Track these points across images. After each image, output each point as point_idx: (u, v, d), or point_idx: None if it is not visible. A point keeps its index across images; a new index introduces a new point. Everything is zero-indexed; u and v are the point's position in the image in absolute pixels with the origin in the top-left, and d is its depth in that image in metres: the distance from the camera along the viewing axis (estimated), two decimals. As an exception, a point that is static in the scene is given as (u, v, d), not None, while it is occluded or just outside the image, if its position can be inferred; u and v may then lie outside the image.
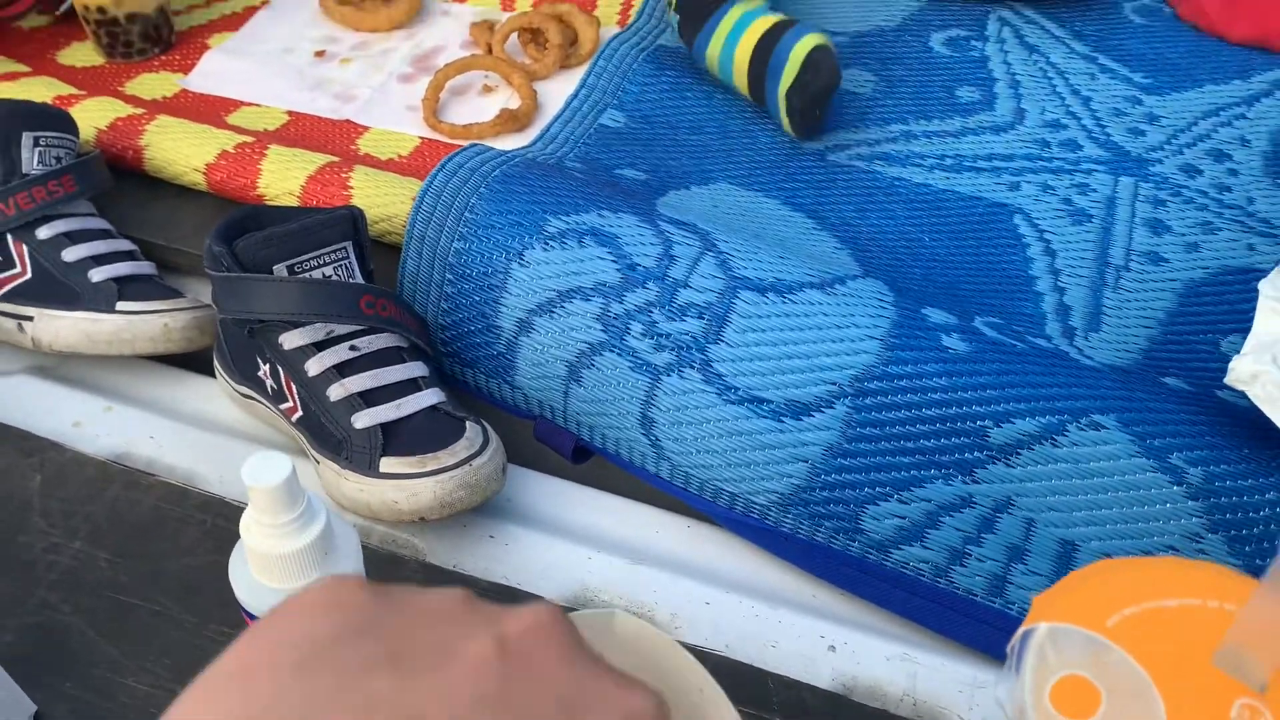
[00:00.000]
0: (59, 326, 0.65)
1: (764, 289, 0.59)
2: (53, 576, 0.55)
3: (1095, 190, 0.75)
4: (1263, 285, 0.57)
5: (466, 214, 0.63)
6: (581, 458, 0.64)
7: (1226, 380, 0.53)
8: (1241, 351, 0.54)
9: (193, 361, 0.68)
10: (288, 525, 0.38)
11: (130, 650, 0.52)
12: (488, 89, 0.84)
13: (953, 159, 0.78)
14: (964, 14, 0.91)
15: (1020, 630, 0.31)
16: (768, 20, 0.78)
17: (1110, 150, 0.78)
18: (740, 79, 0.79)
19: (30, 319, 0.65)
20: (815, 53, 0.75)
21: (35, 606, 0.53)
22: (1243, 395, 0.53)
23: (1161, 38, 0.89)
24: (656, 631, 0.35)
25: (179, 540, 0.56)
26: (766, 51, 0.77)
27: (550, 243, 0.61)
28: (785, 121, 0.77)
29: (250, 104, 0.82)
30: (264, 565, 0.39)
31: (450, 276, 0.63)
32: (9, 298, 0.66)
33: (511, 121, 0.79)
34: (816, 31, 0.76)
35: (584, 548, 0.59)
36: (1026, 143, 0.79)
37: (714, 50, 0.80)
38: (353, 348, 0.58)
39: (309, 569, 0.39)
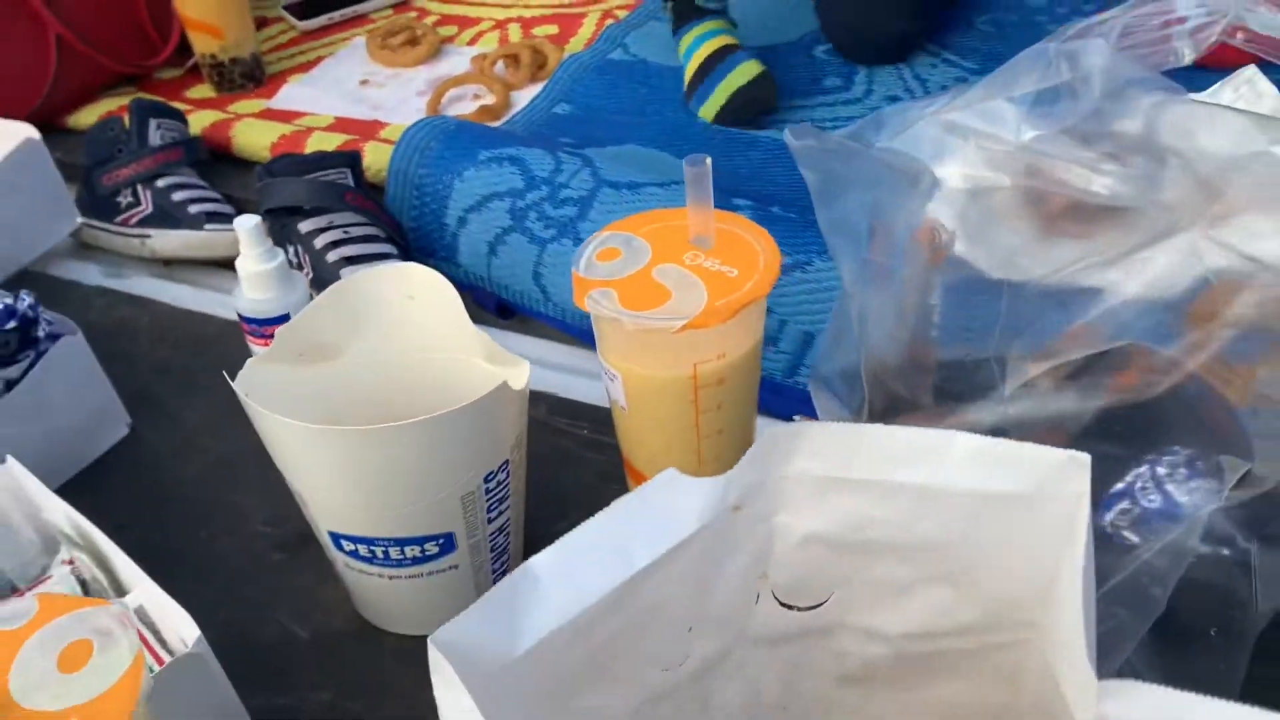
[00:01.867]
0: (169, 239, 0.97)
1: (618, 186, 0.87)
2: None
3: (906, 136, 1.00)
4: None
5: (427, 151, 0.93)
6: (505, 314, 0.91)
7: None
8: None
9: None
10: (262, 254, 0.67)
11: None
12: (477, 98, 1.15)
13: (806, 121, 1.04)
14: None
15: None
16: (714, 44, 1.07)
17: (927, 111, 1.03)
18: (686, 80, 1.08)
19: (150, 236, 0.98)
20: (743, 90, 1.02)
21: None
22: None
23: (1000, 40, 1.14)
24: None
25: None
26: (704, 73, 1.06)
27: (480, 165, 0.91)
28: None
29: (309, 113, 1.15)
30: (250, 282, 0.68)
31: (415, 192, 0.92)
32: (137, 224, 0.99)
33: (487, 113, 1.10)
34: (751, 60, 1.04)
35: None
36: (865, 110, 1.05)
37: (680, 50, 1.09)
38: (345, 231, 0.88)
39: (275, 285, 0.68)
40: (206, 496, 0.73)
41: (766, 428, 0.43)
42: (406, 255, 0.91)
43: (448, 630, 0.31)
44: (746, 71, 1.04)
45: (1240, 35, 0.49)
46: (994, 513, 0.37)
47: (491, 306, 0.91)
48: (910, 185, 0.48)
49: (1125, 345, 0.57)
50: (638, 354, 0.54)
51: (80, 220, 1.00)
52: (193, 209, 0.98)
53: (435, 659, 0.31)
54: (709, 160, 0.53)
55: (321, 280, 0.87)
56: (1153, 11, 0.48)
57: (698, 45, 1.09)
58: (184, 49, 1.23)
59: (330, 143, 1.04)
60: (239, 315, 0.72)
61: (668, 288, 0.52)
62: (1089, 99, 0.53)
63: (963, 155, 0.52)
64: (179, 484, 0.75)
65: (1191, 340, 0.56)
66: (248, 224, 0.67)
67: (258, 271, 0.68)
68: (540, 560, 0.33)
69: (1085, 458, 0.35)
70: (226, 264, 0.98)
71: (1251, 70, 0.93)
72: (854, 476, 0.37)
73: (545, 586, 0.33)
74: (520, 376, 0.55)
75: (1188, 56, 0.49)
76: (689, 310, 0.50)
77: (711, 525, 0.36)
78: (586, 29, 1.27)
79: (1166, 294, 0.55)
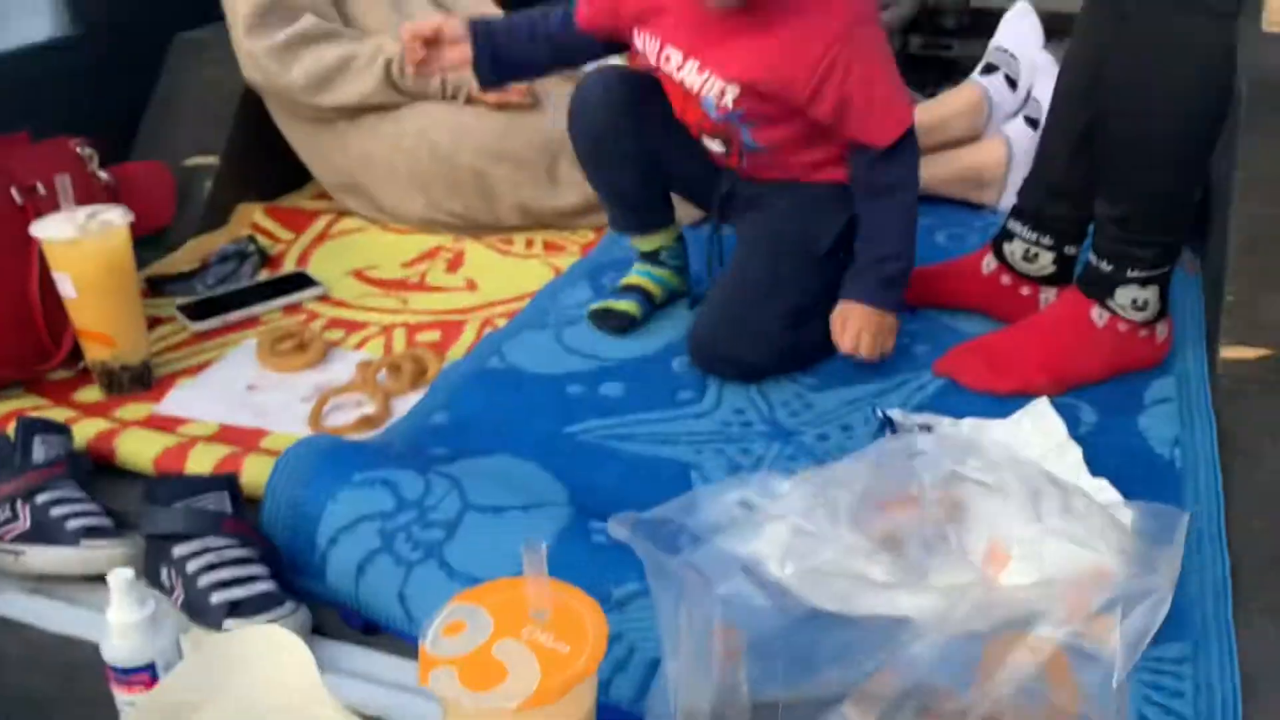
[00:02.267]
0: (42, 556, 0.99)
1: (484, 510, 0.94)
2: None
3: (751, 452, 1.10)
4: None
5: (303, 472, 0.99)
6: (371, 631, 0.95)
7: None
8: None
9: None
10: (130, 605, 0.71)
11: None
12: (359, 405, 1.23)
13: (664, 435, 1.14)
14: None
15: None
16: (637, 279, 1.33)
17: (771, 425, 1.14)
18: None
19: (23, 553, 1.00)
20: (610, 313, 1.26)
21: None
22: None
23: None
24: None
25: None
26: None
27: (353, 487, 0.97)
28: None
29: (195, 420, 1.21)
30: (117, 631, 0.72)
31: (290, 512, 0.98)
32: (12, 540, 1.01)
33: (367, 423, 1.17)
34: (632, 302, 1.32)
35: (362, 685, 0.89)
36: (715, 423, 1.15)
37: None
38: (219, 555, 0.92)
39: (142, 635, 0.71)
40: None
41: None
42: (279, 577, 0.95)
43: None
44: (626, 305, 1.32)
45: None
46: None
47: (358, 624, 0.94)
48: (705, 591, 0.56)
49: (930, 686, 0.65)
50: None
51: (-46, 534, 1.02)
52: (70, 524, 1.01)
53: None
54: (545, 546, 0.61)
55: (191, 605, 0.90)
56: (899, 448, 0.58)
57: (633, 273, 1.37)
58: (76, 353, 1.29)
59: (212, 455, 1.09)
60: (108, 665, 0.74)
61: (505, 666, 0.58)
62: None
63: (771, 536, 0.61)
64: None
65: (983, 687, 0.64)
66: (120, 579, 0.71)
67: (125, 622, 0.72)
68: None
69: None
70: (103, 578, 1.00)
71: (1043, 403, 1.07)
72: None
73: None
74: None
75: (929, 485, 0.59)
76: (522, 691, 0.56)
77: None
78: (468, 335, 1.37)
79: (965, 642, 0.64)
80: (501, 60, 1.27)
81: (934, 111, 1.64)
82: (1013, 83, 1.65)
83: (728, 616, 0.55)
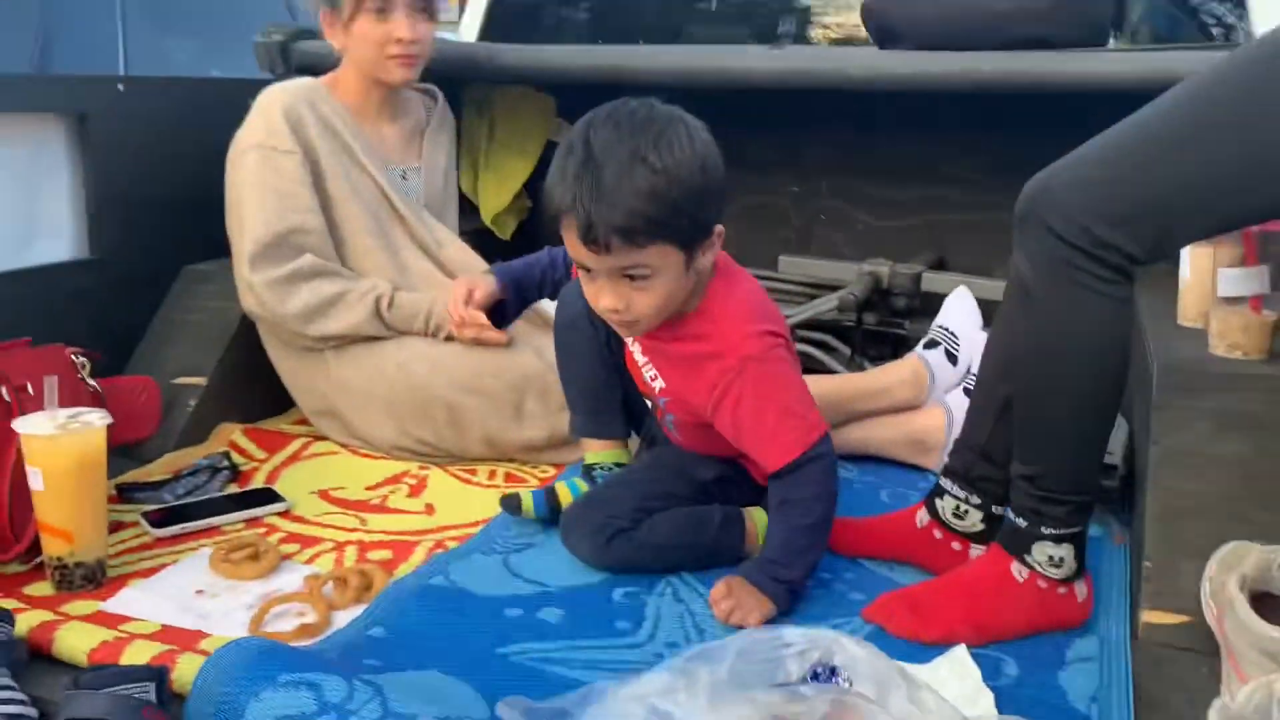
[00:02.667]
0: (-42, 744, 0.99)
1: (402, 718, 0.95)
2: None
3: (678, 681, 1.12)
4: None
5: (230, 670, 1.01)
6: (278, 837, 0.94)
7: None
8: None
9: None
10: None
11: None
12: (300, 614, 1.25)
13: (595, 662, 1.16)
14: (644, 578, 1.35)
15: None
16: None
17: (700, 658, 1.17)
18: None
19: (-59, 737, 1.00)
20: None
21: None
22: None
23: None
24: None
25: None
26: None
27: (277, 688, 0.98)
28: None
29: (139, 619, 1.23)
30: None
31: (212, 709, 0.99)
32: (-68, 723, 1.01)
33: (306, 631, 1.19)
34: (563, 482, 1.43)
35: None
36: (647, 654, 1.18)
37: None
38: (135, 746, 0.93)
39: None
40: None
41: None
42: (190, 773, 0.95)
43: None
44: (525, 496, 1.46)
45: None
46: None
47: (266, 829, 0.94)
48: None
49: None
50: None
51: (-124, 715, 1.03)
52: (1, 710, 1.02)
53: None
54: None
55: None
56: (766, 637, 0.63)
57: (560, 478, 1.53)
58: (34, 547, 1.32)
59: (148, 652, 1.11)
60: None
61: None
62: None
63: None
64: None
65: None
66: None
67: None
68: None
69: None
70: (11, 769, 1.00)
71: (961, 650, 1.11)
72: None
73: None
74: None
75: (795, 674, 0.63)
76: None
77: None
78: (418, 556, 1.41)
79: None
80: (519, 306, 1.58)
81: (879, 379, 1.76)
82: (953, 358, 1.77)
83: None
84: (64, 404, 1.33)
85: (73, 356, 1.52)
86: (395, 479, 1.67)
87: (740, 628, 1.21)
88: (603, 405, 1.49)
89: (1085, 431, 1.17)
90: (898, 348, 2.11)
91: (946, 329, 1.82)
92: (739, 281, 1.34)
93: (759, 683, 0.61)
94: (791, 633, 0.62)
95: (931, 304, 1.99)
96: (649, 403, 1.43)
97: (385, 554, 1.41)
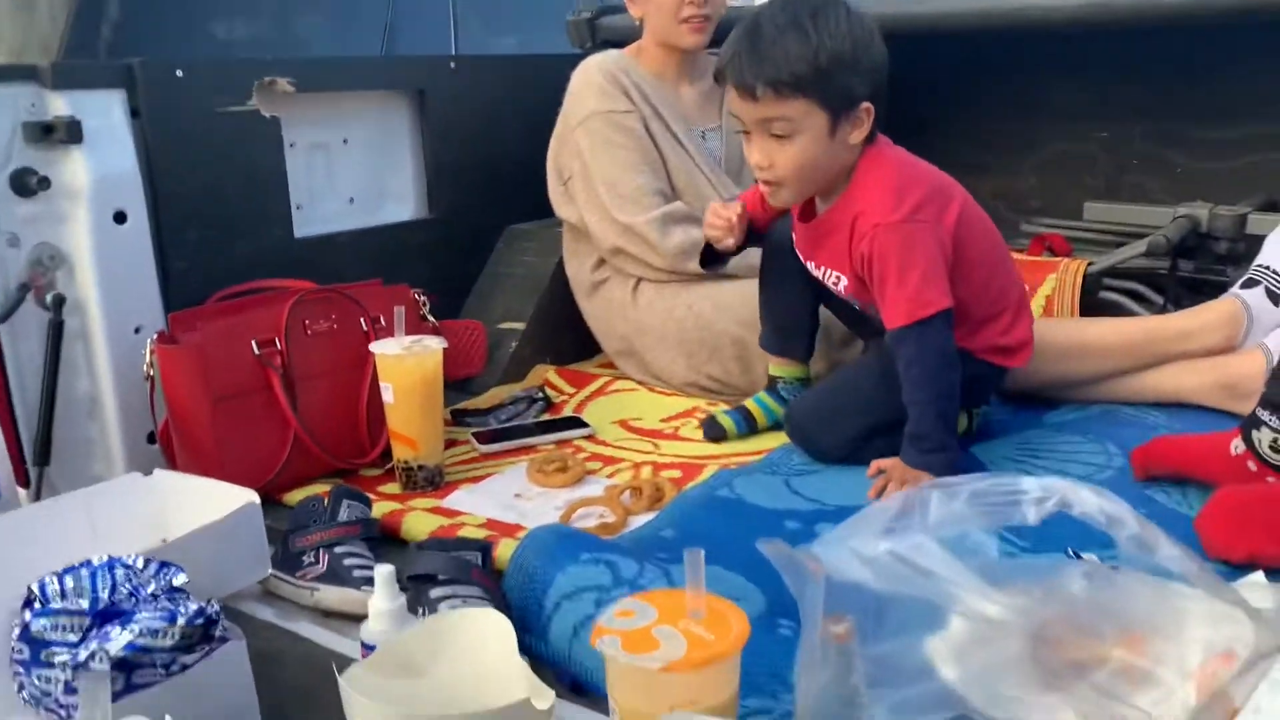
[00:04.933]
0: (332, 594, 1.21)
1: (686, 592, 1.05)
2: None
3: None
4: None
5: (542, 546, 1.15)
6: (578, 691, 1.07)
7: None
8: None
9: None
10: (388, 595, 0.88)
11: None
12: (601, 517, 1.39)
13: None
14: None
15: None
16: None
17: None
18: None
19: (318, 590, 1.22)
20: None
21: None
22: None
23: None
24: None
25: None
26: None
27: (580, 563, 1.12)
28: None
29: (468, 514, 1.42)
30: (375, 615, 0.89)
31: (525, 578, 1.13)
32: (311, 580, 1.23)
33: (605, 529, 1.33)
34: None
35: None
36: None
37: None
38: (464, 601, 1.09)
39: (393, 622, 0.88)
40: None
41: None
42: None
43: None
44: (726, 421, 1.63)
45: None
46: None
47: (567, 681, 1.07)
48: (805, 581, 0.65)
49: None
50: (630, 692, 0.70)
51: (270, 571, 1.26)
52: (357, 574, 1.22)
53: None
54: (702, 552, 0.73)
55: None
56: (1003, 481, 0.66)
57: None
58: (385, 454, 1.55)
59: (477, 535, 1.28)
60: (361, 642, 0.92)
61: (659, 641, 0.69)
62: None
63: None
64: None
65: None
66: (384, 571, 0.89)
67: (382, 609, 0.89)
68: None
69: None
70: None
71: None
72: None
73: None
74: (545, 699, 0.72)
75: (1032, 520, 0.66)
76: (668, 657, 0.67)
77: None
78: (705, 476, 1.51)
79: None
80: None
81: (1189, 320, 1.66)
82: (1275, 297, 1.64)
83: (830, 602, 0.64)
84: (408, 333, 1.54)
85: (415, 295, 1.75)
86: (687, 413, 1.79)
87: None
88: (790, 324, 1.63)
89: None
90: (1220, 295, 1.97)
91: (1268, 268, 1.69)
92: (884, 161, 1.40)
93: (994, 523, 0.65)
94: (1028, 481, 0.65)
95: (1258, 249, 1.85)
96: (857, 310, 1.51)
97: (675, 474, 1.53)
